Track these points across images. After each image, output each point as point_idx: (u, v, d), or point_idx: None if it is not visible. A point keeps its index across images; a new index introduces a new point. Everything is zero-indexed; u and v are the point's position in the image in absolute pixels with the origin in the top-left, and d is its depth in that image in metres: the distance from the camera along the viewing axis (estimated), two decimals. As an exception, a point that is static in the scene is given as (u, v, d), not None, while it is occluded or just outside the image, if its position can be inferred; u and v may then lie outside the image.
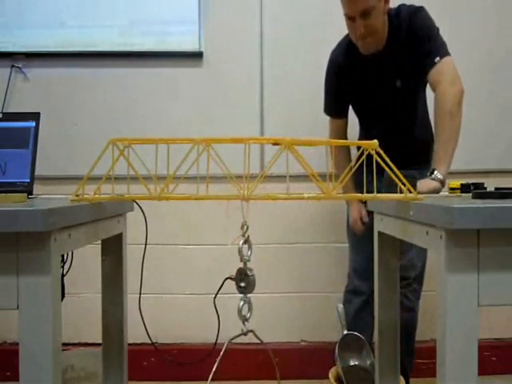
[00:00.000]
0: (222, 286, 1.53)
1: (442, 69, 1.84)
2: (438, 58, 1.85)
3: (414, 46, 1.92)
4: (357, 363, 2.04)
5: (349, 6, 1.90)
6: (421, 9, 1.96)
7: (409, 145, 2.06)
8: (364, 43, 1.96)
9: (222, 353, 1.10)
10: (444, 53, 1.87)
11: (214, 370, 1.07)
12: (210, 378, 1.09)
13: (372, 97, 2.09)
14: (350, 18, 1.92)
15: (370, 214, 1.54)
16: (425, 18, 1.95)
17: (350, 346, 2.07)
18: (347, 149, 2.23)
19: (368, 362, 2.01)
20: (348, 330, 2.20)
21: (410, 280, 2.11)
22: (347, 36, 2.05)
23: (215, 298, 1.56)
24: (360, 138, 2.24)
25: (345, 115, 2.19)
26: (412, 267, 2.11)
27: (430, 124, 2.12)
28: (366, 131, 2.20)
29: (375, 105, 2.10)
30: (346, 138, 2.19)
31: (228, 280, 1.44)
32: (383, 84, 2.04)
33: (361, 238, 2.22)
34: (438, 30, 1.93)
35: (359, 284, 2.25)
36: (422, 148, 2.12)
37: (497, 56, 2.61)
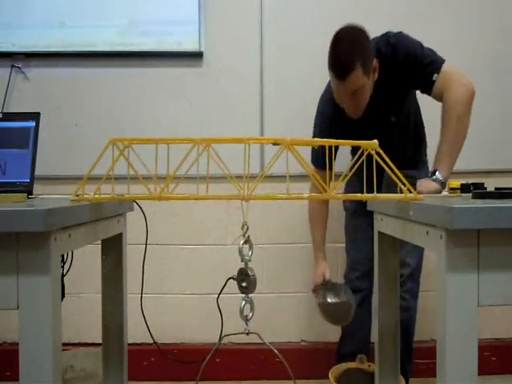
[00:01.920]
0: (224, 285, 1.53)
1: (444, 79, 1.79)
2: (435, 75, 1.80)
3: (406, 77, 1.86)
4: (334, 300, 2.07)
5: (339, 86, 1.83)
6: (398, 37, 1.87)
7: (404, 157, 2.02)
8: (353, 114, 1.91)
9: (215, 347, 1.10)
10: (439, 65, 1.81)
11: (207, 358, 1.07)
12: (199, 373, 1.09)
13: (366, 136, 2.00)
14: (340, 93, 1.86)
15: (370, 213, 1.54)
16: (405, 44, 1.86)
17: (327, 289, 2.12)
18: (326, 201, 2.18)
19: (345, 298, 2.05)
20: (346, 326, 2.21)
21: (404, 278, 2.10)
22: (331, 88, 1.95)
23: (218, 297, 1.56)
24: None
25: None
26: (404, 265, 2.09)
27: (422, 125, 2.15)
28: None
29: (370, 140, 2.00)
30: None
31: (229, 280, 1.44)
32: (377, 124, 1.97)
33: (362, 237, 2.22)
34: (421, 45, 1.86)
35: (359, 283, 2.24)
36: (415, 153, 2.15)
37: (497, 56, 2.61)
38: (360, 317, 2.20)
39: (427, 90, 1.85)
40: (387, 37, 1.90)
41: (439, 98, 1.82)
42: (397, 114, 2.02)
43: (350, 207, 2.31)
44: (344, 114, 1.95)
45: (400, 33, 1.89)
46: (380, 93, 1.90)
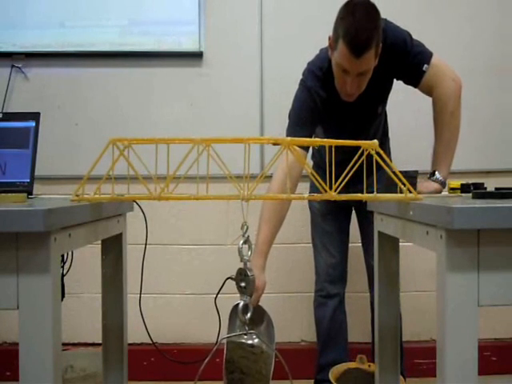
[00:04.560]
0: (222, 286, 1.53)
1: (434, 72, 1.76)
2: (426, 66, 1.76)
3: (394, 64, 1.80)
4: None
5: (350, 64, 1.68)
6: (386, 22, 1.78)
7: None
8: (349, 97, 1.81)
9: (213, 350, 1.10)
10: (428, 56, 1.77)
11: (205, 362, 1.07)
12: (197, 375, 1.10)
13: (350, 124, 1.93)
14: (344, 71, 1.72)
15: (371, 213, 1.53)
16: (394, 30, 1.79)
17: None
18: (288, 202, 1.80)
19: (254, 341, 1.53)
20: (325, 333, 2.15)
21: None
22: (321, 68, 1.87)
23: (216, 298, 1.56)
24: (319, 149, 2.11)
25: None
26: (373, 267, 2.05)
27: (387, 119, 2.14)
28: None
29: (351, 129, 1.87)
30: (301, 170, 1.74)
31: (228, 280, 1.44)
32: (366, 113, 1.93)
33: (332, 241, 2.16)
34: (409, 34, 1.80)
35: (333, 288, 2.17)
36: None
37: (497, 57, 2.61)
38: (337, 323, 2.17)
39: (415, 80, 1.80)
40: None
41: (427, 90, 1.80)
42: (382, 105, 1.97)
43: (320, 209, 2.18)
44: (336, 98, 1.84)
45: (386, 19, 1.79)
46: (372, 80, 1.80)
